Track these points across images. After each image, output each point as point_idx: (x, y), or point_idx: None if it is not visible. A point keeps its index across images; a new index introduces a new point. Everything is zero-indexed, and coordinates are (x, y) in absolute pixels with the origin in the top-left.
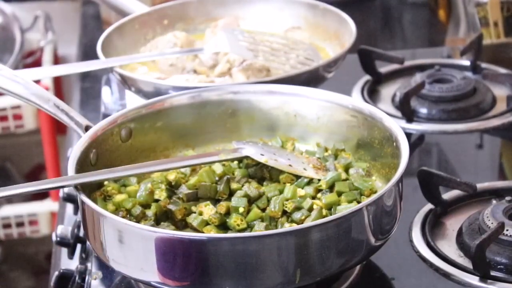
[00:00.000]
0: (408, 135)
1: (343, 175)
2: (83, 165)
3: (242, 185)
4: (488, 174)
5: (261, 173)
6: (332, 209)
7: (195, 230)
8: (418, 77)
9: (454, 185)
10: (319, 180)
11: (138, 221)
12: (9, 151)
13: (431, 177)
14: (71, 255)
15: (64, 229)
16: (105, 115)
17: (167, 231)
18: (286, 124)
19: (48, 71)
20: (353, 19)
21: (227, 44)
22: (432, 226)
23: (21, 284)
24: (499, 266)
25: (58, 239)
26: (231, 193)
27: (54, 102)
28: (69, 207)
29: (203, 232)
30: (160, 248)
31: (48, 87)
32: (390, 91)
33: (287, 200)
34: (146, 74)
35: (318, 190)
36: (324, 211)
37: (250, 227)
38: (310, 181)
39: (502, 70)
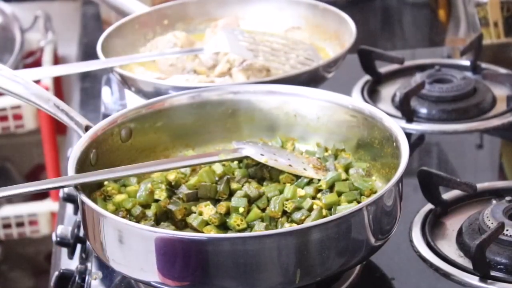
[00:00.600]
0: (408, 135)
1: (343, 175)
2: (83, 165)
3: (242, 185)
4: (488, 174)
5: (261, 173)
6: (332, 209)
7: (195, 230)
8: (418, 77)
9: (454, 185)
10: (319, 180)
11: (138, 221)
12: (9, 151)
13: (431, 177)
14: (71, 255)
15: (64, 229)
16: (105, 115)
17: (167, 231)
18: (286, 124)
19: (48, 71)
20: (353, 19)
21: (227, 44)
22: (432, 226)
23: (21, 284)
24: (499, 266)
25: (58, 239)
26: (231, 193)
27: (54, 102)
28: (69, 207)
29: (203, 232)
30: (160, 248)
31: (48, 87)
32: (390, 91)
33: (287, 200)
34: (145, 74)
35: (318, 190)
36: (324, 211)
37: (250, 227)
38: (310, 181)
39: (502, 70)
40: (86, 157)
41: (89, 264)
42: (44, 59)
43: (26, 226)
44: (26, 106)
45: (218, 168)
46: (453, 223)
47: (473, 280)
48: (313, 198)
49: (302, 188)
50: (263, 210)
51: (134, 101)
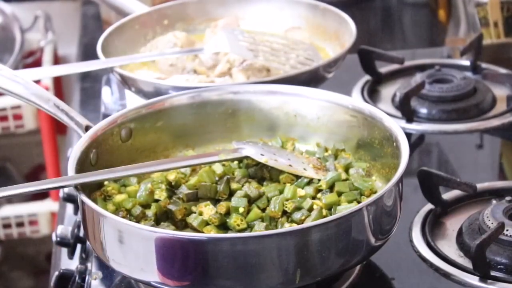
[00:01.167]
0: (408, 135)
1: (343, 175)
2: (83, 165)
3: (242, 185)
4: (488, 174)
5: (261, 173)
6: (332, 209)
7: (195, 230)
8: (418, 77)
9: (454, 185)
10: (319, 180)
11: (138, 221)
12: (9, 151)
13: (431, 177)
14: (71, 255)
15: (64, 229)
16: (105, 115)
17: (167, 231)
18: (286, 124)
19: (48, 71)
20: (353, 19)
21: (227, 44)
22: (432, 226)
23: (21, 284)
24: (499, 266)
25: (58, 239)
26: (231, 193)
27: (54, 102)
28: (69, 207)
29: (203, 232)
30: (160, 248)
31: (48, 87)
32: (390, 91)
33: (287, 200)
34: (145, 74)
35: (318, 190)
36: (324, 211)
37: (250, 227)
38: (310, 181)
39: (502, 70)
40: (86, 157)
41: (89, 264)
42: (44, 59)
43: (26, 226)
44: (26, 106)
45: (218, 168)
46: (453, 223)
47: (473, 280)
48: (313, 198)
49: (302, 188)
50: (263, 210)
51: (134, 101)
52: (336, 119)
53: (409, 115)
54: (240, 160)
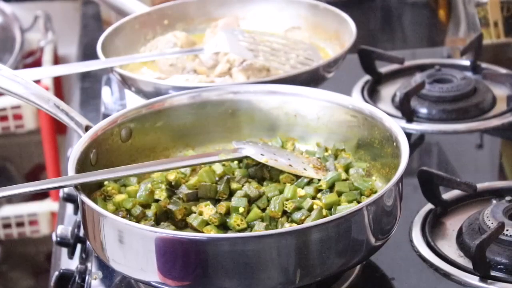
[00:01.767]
0: (408, 135)
1: (343, 175)
2: (83, 165)
3: (242, 185)
4: (488, 174)
5: (261, 173)
6: (332, 209)
7: (195, 230)
8: (418, 77)
9: (454, 185)
10: (319, 180)
11: (138, 221)
12: (9, 151)
13: (431, 177)
14: (71, 255)
15: (64, 229)
16: (105, 115)
17: (167, 231)
18: (286, 124)
19: (48, 71)
20: (353, 19)
21: (227, 44)
22: (432, 226)
23: (21, 284)
24: (499, 266)
25: (58, 239)
26: (231, 193)
27: (54, 102)
28: (69, 207)
29: (203, 232)
30: (160, 248)
31: (48, 87)
32: (390, 91)
33: (287, 200)
34: (145, 74)
35: (318, 190)
36: (324, 211)
37: (250, 227)
38: (310, 181)
39: (502, 70)
40: (86, 157)
41: (89, 264)
42: (44, 59)
43: (26, 226)
44: (26, 106)
45: (218, 168)
46: (453, 223)
47: (473, 280)
48: (313, 198)
49: (302, 188)
50: (263, 210)
51: (134, 101)
52: (336, 119)
53: (409, 115)
54: (240, 160)
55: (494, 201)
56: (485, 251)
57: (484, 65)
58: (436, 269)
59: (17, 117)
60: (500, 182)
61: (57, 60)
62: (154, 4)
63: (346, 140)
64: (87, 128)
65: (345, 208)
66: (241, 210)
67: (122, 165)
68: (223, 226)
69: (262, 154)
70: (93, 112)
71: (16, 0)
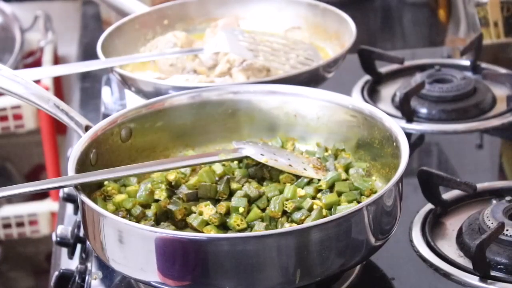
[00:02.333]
0: (408, 135)
1: (343, 175)
2: (83, 165)
3: (242, 185)
4: (488, 174)
5: (261, 173)
6: (332, 209)
7: (195, 230)
8: (418, 77)
9: (454, 185)
10: (319, 180)
11: (138, 221)
12: (9, 151)
13: (431, 177)
14: (71, 255)
15: (64, 229)
16: (105, 115)
17: (167, 231)
18: (286, 124)
19: (48, 71)
20: (353, 19)
21: (227, 44)
22: (432, 226)
23: (21, 284)
24: (499, 266)
25: (58, 239)
26: (231, 193)
27: (54, 102)
28: (69, 207)
29: (203, 232)
30: (160, 248)
31: (48, 87)
32: (390, 91)
33: (287, 200)
34: (145, 74)
35: (318, 190)
36: (324, 211)
37: (250, 227)
38: (310, 181)
39: (502, 70)
40: (86, 157)
41: (89, 264)
42: (44, 59)
43: (26, 226)
44: (26, 106)
45: (218, 168)
46: (453, 223)
47: (473, 280)
48: (313, 198)
49: (302, 188)
50: (263, 210)
51: (134, 101)
52: (336, 119)
53: (409, 115)
54: (240, 160)
55: (494, 201)
56: (485, 251)
57: (484, 65)
58: (436, 269)
59: (17, 117)
60: (500, 182)
61: (57, 60)
62: (154, 4)
63: (346, 140)
64: (87, 128)
65: (345, 208)
66: (241, 210)
67: (122, 165)
68: (223, 226)
69: (262, 154)
70: (93, 112)
71: (16, 0)
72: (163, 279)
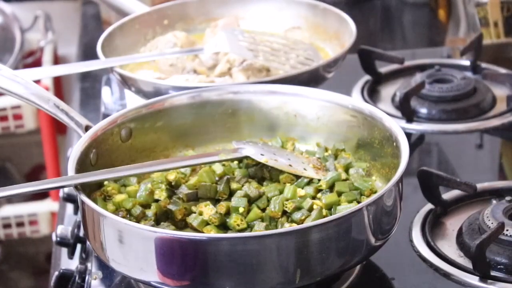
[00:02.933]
0: (408, 135)
1: (343, 175)
2: (83, 165)
3: (242, 185)
4: (488, 174)
5: (261, 173)
6: (332, 209)
7: (195, 230)
8: (418, 77)
9: (454, 185)
10: (319, 180)
11: (138, 221)
12: (9, 151)
13: (431, 177)
14: (71, 255)
15: (64, 229)
16: (105, 115)
17: (167, 231)
18: (286, 124)
19: (48, 71)
20: (353, 19)
21: (227, 44)
22: (432, 226)
23: (21, 284)
24: (499, 266)
25: (58, 239)
26: (231, 193)
27: (54, 102)
28: (69, 207)
29: (203, 232)
30: (160, 248)
31: (48, 87)
32: (390, 91)
33: (287, 200)
34: (145, 74)
35: (318, 190)
36: (324, 211)
37: (250, 227)
38: (310, 181)
39: (502, 70)
40: (86, 157)
41: (89, 264)
42: (44, 59)
43: (26, 226)
44: (26, 106)
45: (218, 168)
46: (453, 223)
47: (473, 280)
48: (313, 198)
49: (302, 188)
50: (263, 210)
51: (134, 101)
52: (336, 119)
53: (409, 115)
54: (240, 160)
55: (494, 201)
56: (485, 251)
57: (484, 65)
58: (436, 269)
59: (17, 117)
60: (500, 182)
61: (57, 60)
62: (154, 4)
63: (346, 140)
64: (87, 128)
65: (345, 208)
66: (241, 210)
67: (122, 165)
68: (223, 226)
69: (262, 154)
70: (93, 112)
71: (16, 0)
72: (163, 279)
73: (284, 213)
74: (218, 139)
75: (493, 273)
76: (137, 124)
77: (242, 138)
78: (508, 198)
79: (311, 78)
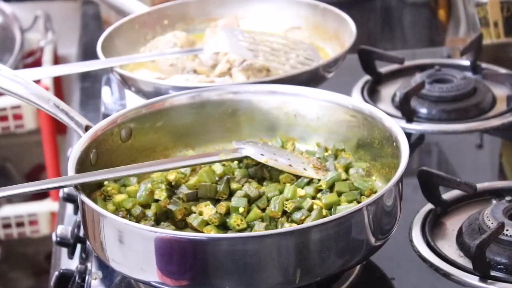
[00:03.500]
0: (408, 135)
1: (343, 175)
2: (83, 165)
3: (242, 185)
4: (488, 174)
5: (261, 173)
6: (332, 209)
7: (195, 230)
8: (418, 77)
9: (454, 185)
10: (319, 180)
11: (138, 221)
12: (9, 151)
13: (431, 177)
14: (71, 255)
15: (64, 229)
16: (105, 115)
17: (167, 231)
18: (286, 124)
19: (48, 71)
20: (353, 19)
21: (227, 44)
22: (432, 226)
23: (21, 284)
24: (499, 266)
25: (58, 239)
26: (231, 193)
27: (54, 102)
28: (69, 207)
29: (203, 232)
30: (160, 248)
31: (48, 87)
32: (390, 91)
33: (287, 200)
34: (145, 74)
35: (318, 190)
36: (324, 211)
37: (250, 227)
38: (310, 181)
39: (502, 70)
40: (86, 157)
41: (89, 264)
42: (44, 59)
43: (26, 226)
44: (26, 106)
45: (218, 168)
46: (453, 223)
47: (473, 280)
48: (313, 198)
49: (302, 188)
50: (263, 210)
51: (134, 101)
52: (336, 119)
53: (409, 115)
54: (240, 160)
55: (494, 201)
56: (485, 251)
57: (484, 65)
58: (436, 269)
59: (17, 117)
60: (500, 182)
61: (57, 60)
62: (154, 4)
63: (346, 140)
64: (87, 128)
65: (345, 208)
66: (241, 210)
67: (122, 165)
68: (223, 226)
69: (262, 154)
70: (93, 112)
71: (16, 0)
72: (163, 279)
73: (284, 213)
74: (218, 139)
75: (493, 273)
76: (137, 124)
77: (242, 138)
78: (508, 198)
79: (311, 78)
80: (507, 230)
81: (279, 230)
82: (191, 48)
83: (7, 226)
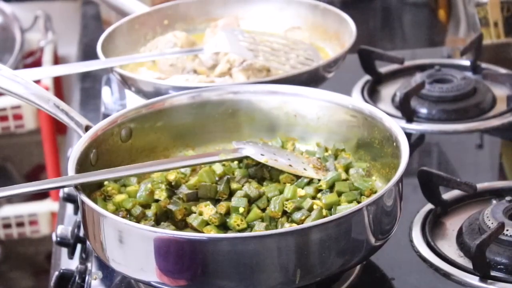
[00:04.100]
0: (408, 135)
1: (343, 175)
2: (83, 165)
3: (242, 185)
4: (488, 174)
5: (261, 173)
6: (332, 209)
7: (195, 230)
8: (418, 77)
9: (454, 185)
10: (319, 180)
11: (138, 221)
12: (9, 151)
13: (431, 177)
14: (71, 255)
15: (64, 229)
16: (105, 115)
17: (167, 231)
18: (286, 124)
19: (48, 71)
20: (353, 19)
21: (227, 44)
22: (432, 226)
23: (21, 284)
24: (499, 266)
25: (58, 239)
26: (231, 193)
27: (54, 102)
28: (69, 207)
29: (203, 232)
30: (160, 248)
31: (48, 87)
32: (390, 91)
33: (287, 200)
34: (145, 74)
35: (318, 190)
36: (324, 211)
37: (250, 227)
38: (310, 181)
39: (502, 70)
40: (86, 157)
41: (89, 264)
42: (44, 59)
43: (26, 226)
44: (26, 106)
45: (218, 168)
46: (453, 223)
47: (473, 280)
48: (313, 198)
49: (302, 188)
50: (263, 210)
51: (134, 101)
52: (336, 119)
53: (409, 115)
54: (240, 160)
55: (494, 201)
56: (485, 251)
57: (484, 65)
58: (436, 269)
59: (17, 117)
60: (500, 182)
61: (57, 60)
62: (154, 4)
63: (346, 140)
64: (87, 128)
65: (345, 208)
66: (241, 210)
67: (122, 165)
68: (223, 226)
69: (262, 154)
70: (93, 112)
71: (16, 0)
72: (163, 279)
73: (284, 213)
74: (218, 139)
75: (493, 273)
76: (137, 124)
77: (242, 138)
78: (508, 198)
79: (311, 78)
80: (507, 230)
81: (279, 230)
82: (191, 48)
83: (7, 226)
